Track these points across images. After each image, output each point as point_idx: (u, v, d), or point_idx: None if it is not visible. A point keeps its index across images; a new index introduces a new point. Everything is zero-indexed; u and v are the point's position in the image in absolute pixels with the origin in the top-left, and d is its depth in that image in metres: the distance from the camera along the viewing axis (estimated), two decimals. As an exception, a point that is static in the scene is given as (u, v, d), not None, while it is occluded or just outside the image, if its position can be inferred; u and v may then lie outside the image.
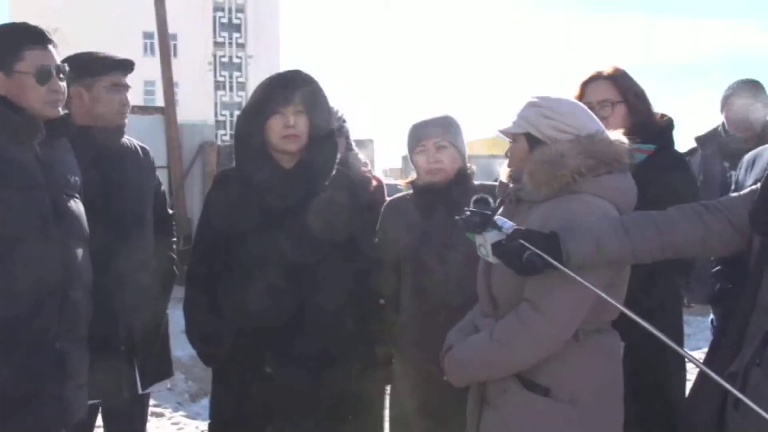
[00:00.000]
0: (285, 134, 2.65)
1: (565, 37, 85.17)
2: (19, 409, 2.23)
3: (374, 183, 3.49)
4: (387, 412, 3.11)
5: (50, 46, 2.37)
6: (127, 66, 2.96)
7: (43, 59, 2.33)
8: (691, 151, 4.17)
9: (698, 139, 4.18)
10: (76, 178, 2.49)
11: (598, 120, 2.23)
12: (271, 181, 2.66)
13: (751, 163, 3.27)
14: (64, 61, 2.66)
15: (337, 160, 2.80)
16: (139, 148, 3.12)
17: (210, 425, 2.85)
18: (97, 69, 2.86)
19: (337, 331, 2.68)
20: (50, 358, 2.30)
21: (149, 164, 3.15)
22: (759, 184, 2.02)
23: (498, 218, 2.07)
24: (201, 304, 2.71)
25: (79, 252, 2.41)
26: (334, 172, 2.75)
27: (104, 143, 2.91)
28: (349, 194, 2.81)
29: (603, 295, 1.85)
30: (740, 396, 1.54)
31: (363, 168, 3.46)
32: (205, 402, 5.15)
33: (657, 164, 2.63)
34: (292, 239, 2.60)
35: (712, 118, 4.18)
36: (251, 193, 2.65)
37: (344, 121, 3.41)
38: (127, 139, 3.09)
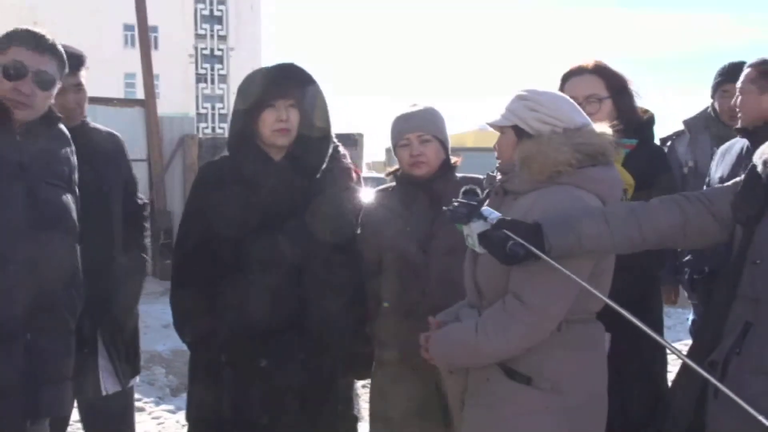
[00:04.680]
0: (277, 128, 2.64)
1: (544, 30, 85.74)
2: (25, 399, 2.23)
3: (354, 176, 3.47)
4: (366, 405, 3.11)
5: (47, 56, 2.35)
6: (75, 65, 2.80)
7: (22, 58, 2.31)
8: (677, 134, 4.07)
9: (687, 123, 4.04)
10: (66, 169, 2.46)
11: (583, 113, 2.26)
12: (259, 172, 2.65)
13: (723, 156, 3.30)
14: None
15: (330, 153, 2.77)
16: (105, 134, 3.06)
17: (191, 420, 2.81)
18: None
19: (336, 333, 2.68)
20: (17, 351, 2.27)
21: (118, 152, 3.07)
22: (742, 176, 2.04)
23: (484, 209, 2.09)
24: (192, 302, 2.66)
25: (58, 243, 2.37)
26: (324, 166, 2.73)
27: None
28: (348, 195, 2.82)
29: (585, 285, 1.87)
30: (719, 385, 1.55)
31: (345, 159, 3.44)
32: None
33: (639, 159, 2.66)
34: (291, 241, 2.60)
35: (687, 111, 4.09)
36: (242, 189, 2.63)
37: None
38: (96, 128, 3.03)
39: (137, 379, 3.25)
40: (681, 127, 4.09)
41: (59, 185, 2.41)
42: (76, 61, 2.86)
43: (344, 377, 2.87)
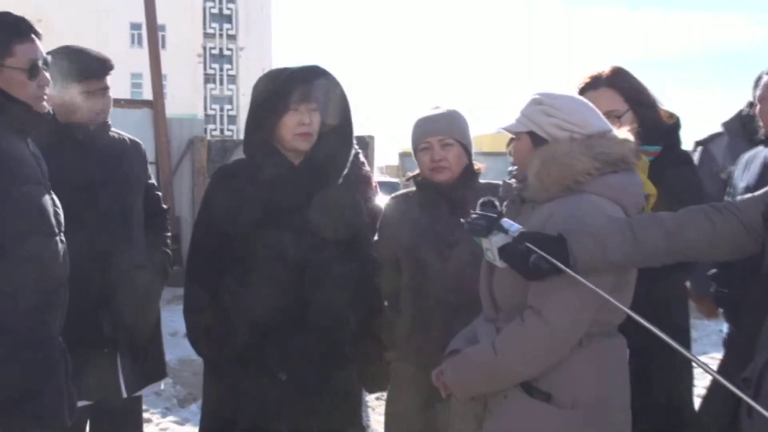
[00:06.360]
0: (299, 132, 2.64)
1: (558, 31, 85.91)
2: (30, 401, 2.25)
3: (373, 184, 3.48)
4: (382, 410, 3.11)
5: (35, 38, 2.35)
6: (104, 70, 2.96)
7: (32, 53, 2.32)
8: (713, 137, 3.96)
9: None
10: (45, 169, 2.48)
11: (603, 117, 2.23)
12: (279, 176, 2.66)
13: (747, 165, 3.26)
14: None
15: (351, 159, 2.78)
16: (128, 141, 3.14)
17: (202, 428, 2.82)
18: (70, 76, 2.86)
19: (341, 330, 2.68)
20: (57, 351, 2.34)
21: (140, 158, 3.16)
22: None
23: (504, 221, 2.06)
24: (207, 303, 2.69)
25: (63, 245, 2.41)
26: (346, 171, 2.75)
27: (88, 139, 2.92)
28: (352, 192, 2.82)
29: (611, 300, 1.83)
30: (752, 404, 1.53)
31: (365, 168, 3.46)
32: (194, 407, 5.13)
33: (663, 164, 2.63)
34: (296, 237, 2.61)
35: (704, 111, 3.99)
36: (257, 189, 2.65)
37: None
38: (116, 132, 3.11)
39: (161, 385, 3.32)
40: (695, 127, 4.00)
41: (49, 187, 2.44)
42: (105, 65, 2.97)
43: (362, 384, 2.88)
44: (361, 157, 3.46)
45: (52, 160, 2.54)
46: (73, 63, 2.86)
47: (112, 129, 3.09)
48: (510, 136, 2.33)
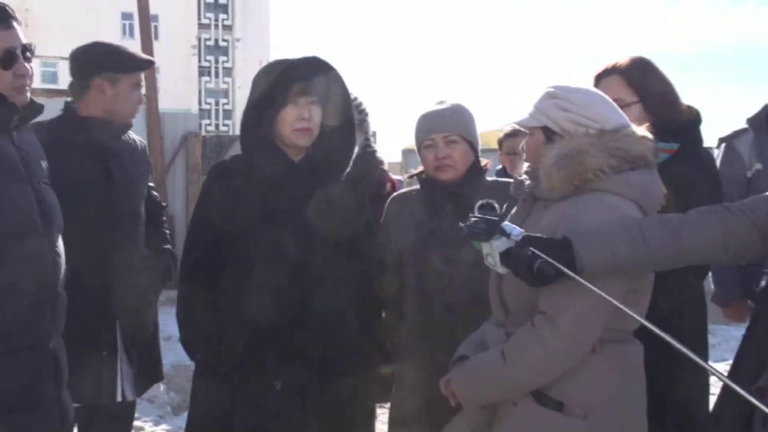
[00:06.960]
0: (298, 127, 2.64)
1: (573, 25, 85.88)
2: (21, 412, 2.25)
3: (389, 185, 3.47)
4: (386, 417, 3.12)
5: (14, 24, 2.31)
6: (150, 65, 3.15)
7: (7, 41, 2.27)
8: (737, 133, 3.91)
9: (751, 121, 3.90)
10: (45, 164, 2.49)
11: (621, 113, 2.22)
12: (278, 174, 2.66)
13: None
14: (77, 51, 2.86)
15: (354, 156, 2.78)
16: (137, 141, 3.20)
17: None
18: (125, 66, 2.97)
19: (339, 331, 2.69)
20: (47, 359, 2.33)
21: (145, 159, 3.23)
22: None
23: (506, 224, 2.03)
24: (203, 302, 2.70)
25: (61, 245, 2.41)
26: (348, 169, 2.74)
27: (107, 136, 2.98)
28: (355, 191, 2.81)
29: (622, 306, 1.82)
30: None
31: (381, 167, 3.44)
32: (189, 415, 5.13)
33: (678, 163, 2.61)
34: (295, 237, 2.62)
35: (720, 108, 3.95)
36: (255, 187, 2.66)
37: (366, 115, 3.37)
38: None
39: (161, 387, 3.34)
40: (716, 124, 3.96)
41: (48, 183, 2.44)
42: (148, 59, 3.17)
43: (364, 395, 2.88)
44: (379, 156, 3.44)
45: (61, 157, 2.57)
46: (122, 56, 2.99)
47: None
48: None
